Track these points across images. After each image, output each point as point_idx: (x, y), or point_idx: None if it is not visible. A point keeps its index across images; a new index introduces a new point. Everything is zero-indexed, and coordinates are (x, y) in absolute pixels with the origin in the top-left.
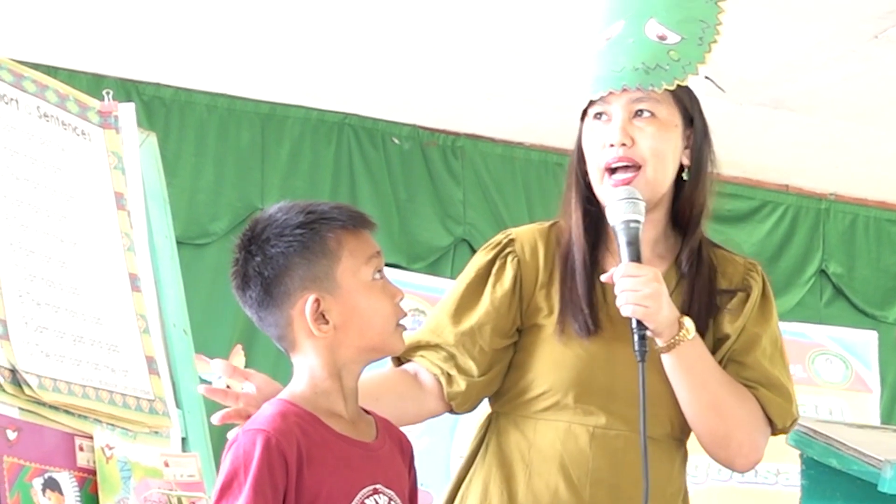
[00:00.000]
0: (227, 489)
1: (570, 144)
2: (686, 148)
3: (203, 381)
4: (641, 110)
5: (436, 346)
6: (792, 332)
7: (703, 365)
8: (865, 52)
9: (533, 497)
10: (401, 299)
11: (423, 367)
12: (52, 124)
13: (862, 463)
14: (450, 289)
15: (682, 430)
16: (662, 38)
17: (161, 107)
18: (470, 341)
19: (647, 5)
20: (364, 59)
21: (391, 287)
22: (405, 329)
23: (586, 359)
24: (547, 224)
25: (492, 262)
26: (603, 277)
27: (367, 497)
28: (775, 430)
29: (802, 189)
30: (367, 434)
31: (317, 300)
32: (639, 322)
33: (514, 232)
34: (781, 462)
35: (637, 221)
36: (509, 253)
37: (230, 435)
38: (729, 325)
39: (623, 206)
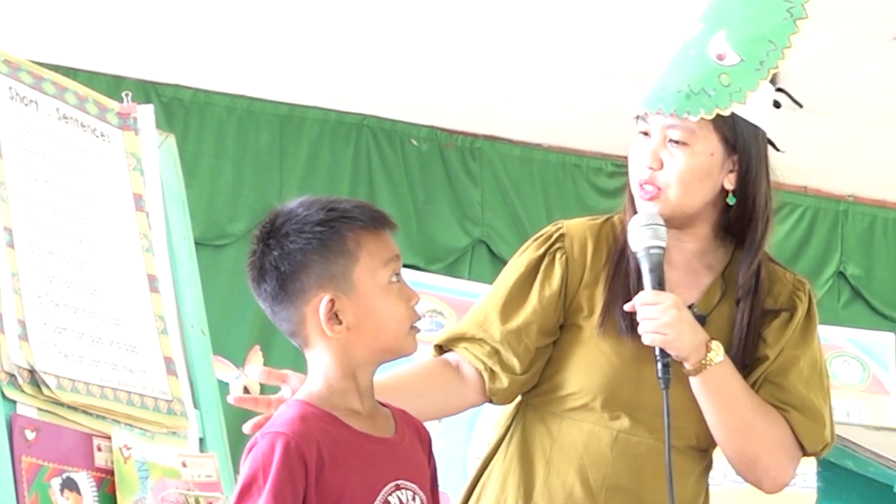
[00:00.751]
0: (245, 493)
1: (587, 146)
2: (731, 172)
3: (221, 383)
4: (674, 136)
5: (480, 340)
6: None
7: (731, 388)
8: (884, 54)
9: (549, 495)
10: (416, 302)
11: (466, 359)
12: (72, 126)
13: (878, 465)
14: (498, 281)
15: (707, 443)
16: (721, 57)
17: (180, 108)
18: (516, 339)
19: (724, 15)
20: (382, 60)
21: (407, 290)
22: (419, 331)
23: (619, 366)
24: (600, 220)
25: (541, 258)
26: (626, 307)
27: (391, 494)
28: (806, 454)
29: (821, 190)
30: (387, 429)
31: (331, 300)
32: (661, 349)
33: (565, 225)
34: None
35: (659, 247)
36: (558, 249)
37: (245, 426)
38: (768, 348)
39: (644, 233)
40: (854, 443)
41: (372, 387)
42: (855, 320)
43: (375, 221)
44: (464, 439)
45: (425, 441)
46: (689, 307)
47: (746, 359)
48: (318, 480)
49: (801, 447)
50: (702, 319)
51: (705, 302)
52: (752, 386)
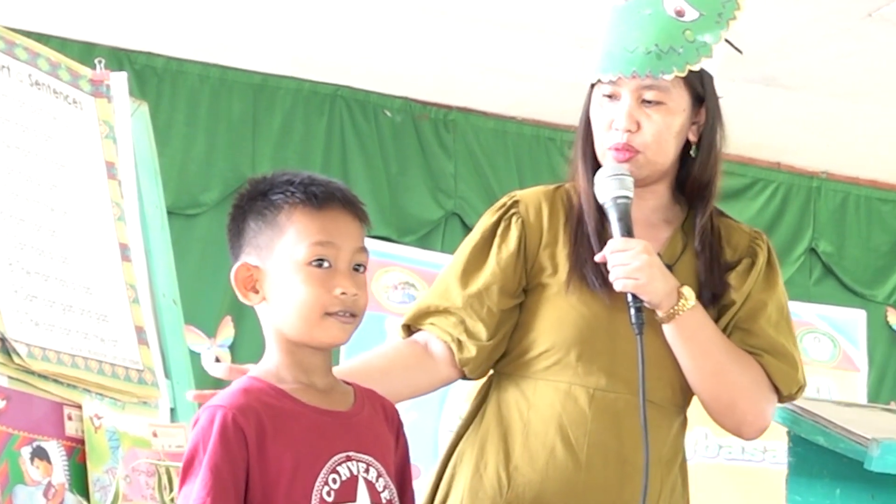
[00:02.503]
0: (188, 468)
1: (562, 119)
2: (693, 124)
3: (193, 353)
4: (650, 96)
5: (444, 311)
6: None
7: (705, 333)
8: (859, 30)
9: (529, 457)
10: (343, 293)
11: (434, 334)
12: (44, 92)
13: (849, 441)
14: (457, 252)
15: (683, 396)
16: (680, 13)
17: (153, 76)
18: (478, 303)
19: None
20: (357, 31)
21: (336, 279)
22: (345, 321)
23: (590, 317)
24: (552, 187)
25: (497, 223)
26: (596, 258)
27: (340, 464)
28: (781, 398)
29: (794, 167)
30: (342, 403)
31: (246, 267)
32: (634, 295)
33: (518, 194)
34: (768, 440)
35: (626, 197)
36: (514, 214)
37: (188, 394)
38: (734, 292)
39: (611, 183)
40: (825, 418)
41: (322, 365)
42: (826, 297)
43: (316, 199)
44: (434, 414)
45: (391, 418)
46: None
47: (714, 305)
48: (259, 451)
49: (777, 390)
50: (668, 269)
51: (669, 253)
52: (727, 327)
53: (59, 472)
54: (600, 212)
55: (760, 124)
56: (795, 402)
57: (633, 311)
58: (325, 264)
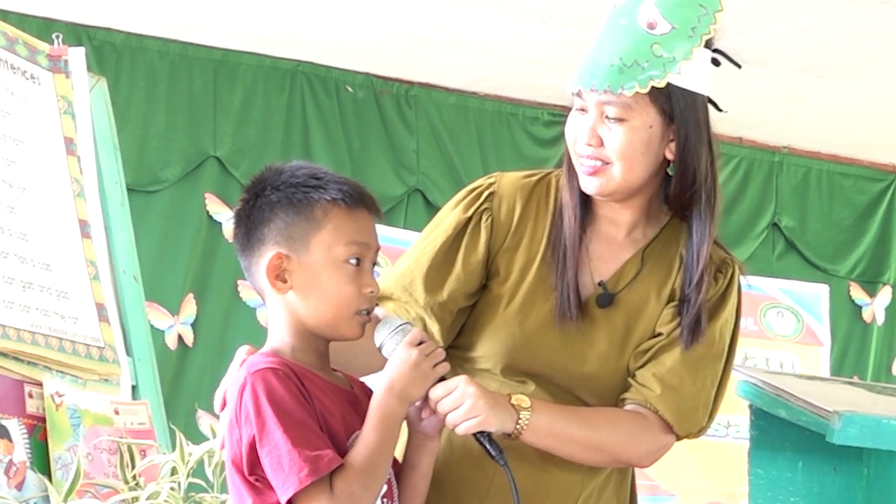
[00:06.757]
0: (261, 428)
1: (523, 95)
2: (671, 141)
3: (154, 330)
4: (610, 112)
5: (405, 303)
6: (744, 285)
7: (557, 424)
8: (819, 4)
9: (449, 449)
10: (371, 292)
11: (392, 312)
12: (1, 68)
13: (811, 414)
14: (425, 237)
15: (618, 390)
16: (651, 26)
17: (112, 52)
18: (440, 308)
19: None
20: (318, 6)
21: (366, 277)
22: (367, 320)
23: (519, 337)
24: (536, 177)
25: (468, 220)
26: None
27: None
28: (678, 436)
29: (756, 142)
30: (343, 383)
31: (279, 256)
32: (480, 431)
33: (498, 182)
34: (731, 414)
35: None
36: (485, 210)
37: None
38: (665, 325)
39: (395, 340)
40: (787, 392)
41: (327, 350)
42: (789, 272)
43: (351, 199)
44: None
45: (369, 395)
46: (599, 284)
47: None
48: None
49: (670, 427)
50: (610, 298)
51: (617, 279)
52: (645, 354)
53: (21, 450)
54: (581, 227)
55: (721, 99)
56: (757, 375)
57: (488, 447)
58: (358, 263)
